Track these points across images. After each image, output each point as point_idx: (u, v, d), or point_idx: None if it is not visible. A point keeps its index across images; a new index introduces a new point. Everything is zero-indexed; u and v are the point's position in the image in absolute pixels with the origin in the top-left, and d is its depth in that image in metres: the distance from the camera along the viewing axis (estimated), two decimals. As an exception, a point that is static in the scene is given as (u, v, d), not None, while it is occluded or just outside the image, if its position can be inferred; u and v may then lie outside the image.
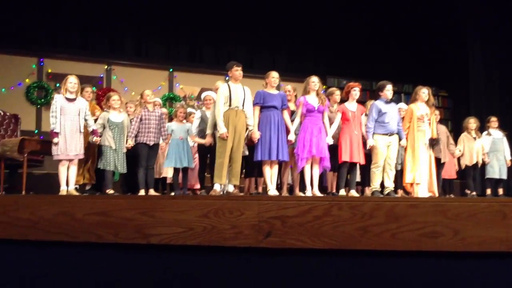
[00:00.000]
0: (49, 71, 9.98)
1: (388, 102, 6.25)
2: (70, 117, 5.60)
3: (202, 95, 7.03)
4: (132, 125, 6.18)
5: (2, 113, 7.16)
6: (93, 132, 5.87)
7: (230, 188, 5.74)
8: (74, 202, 3.12)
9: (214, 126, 5.82)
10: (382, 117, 6.11)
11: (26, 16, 9.86)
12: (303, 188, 6.12)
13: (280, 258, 2.71)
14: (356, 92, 6.36)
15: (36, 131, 9.66)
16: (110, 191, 6.01)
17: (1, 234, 3.09)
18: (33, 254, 3.08)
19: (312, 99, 6.01)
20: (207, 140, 6.05)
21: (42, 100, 9.83)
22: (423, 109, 6.38)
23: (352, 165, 6.28)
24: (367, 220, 2.60)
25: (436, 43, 12.23)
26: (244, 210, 2.74)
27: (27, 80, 9.82)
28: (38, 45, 9.95)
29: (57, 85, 9.68)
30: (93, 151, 6.28)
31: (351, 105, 6.35)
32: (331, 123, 6.24)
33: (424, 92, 6.39)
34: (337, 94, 6.71)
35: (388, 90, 6.25)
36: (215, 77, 10.03)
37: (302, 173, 6.01)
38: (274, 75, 5.95)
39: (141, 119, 6.14)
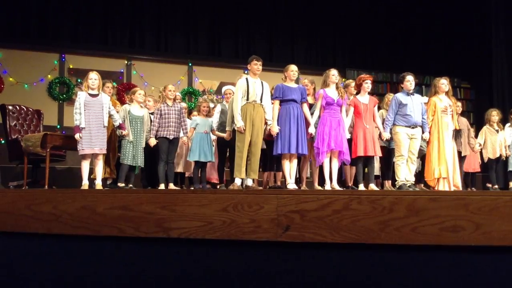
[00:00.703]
0: (71, 66, 10.10)
1: (409, 93, 6.14)
2: (94, 113, 5.70)
3: (223, 89, 7.06)
4: (153, 122, 6.23)
5: (25, 109, 7.27)
6: (120, 127, 5.98)
7: (249, 182, 5.76)
8: (95, 196, 3.16)
9: (233, 121, 5.83)
10: (403, 109, 6.01)
11: (48, 12, 9.99)
12: (322, 182, 6.10)
13: (299, 252, 2.71)
14: (368, 84, 6.28)
15: (59, 126, 9.81)
16: (121, 184, 6.09)
17: (25, 228, 3.15)
18: (56, 247, 3.13)
19: (332, 92, 5.97)
20: (227, 135, 6.12)
21: (64, 95, 9.96)
22: (445, 100, 6.28)
23: (369, 159, 6.22)
24: (387, 214, 2.58)
25: (458, 33, 12.03)
26: (263, 204, 2.74)
27: (49, 76, 9.96)
28: (60, 41, 10.07)
29: (79, 80, 9.81)
30: (113, 146, 6.35)
31: (363, 98, 6.27)
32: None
33: (443, 83, 6.28)
34: (352, 86, 6.64)
35: (408, 81, 6.12)
36: (234, 71, 10.05)
37: (321, 167, 5.99)
38: (293, 69, 5.91)
39: (161, 114, 6.18)
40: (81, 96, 5.73)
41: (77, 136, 5.63)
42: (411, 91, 6.15)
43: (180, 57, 11.03)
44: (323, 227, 2.63)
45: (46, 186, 5.93)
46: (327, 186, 5.85)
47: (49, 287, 3.10)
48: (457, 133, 6.73)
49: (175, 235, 2.85)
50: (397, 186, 6.03)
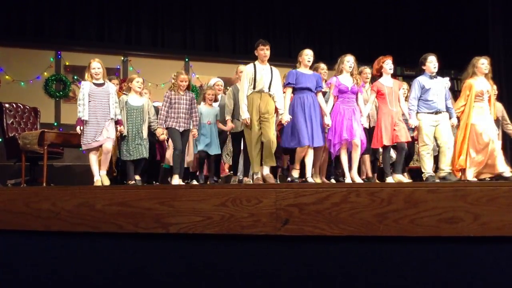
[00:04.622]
0: (67, 63, 10.04)
1: (432, 76, 5.54)
2: (100, 103, 5.27)
3: (211, 82, 6.67)
4: (160, 111, 5.71)
5: (21, 107, 7.24)
6: (118, 122, 5.46)
7: (265, 171, 5.23)
8: (94, 193, 3.16)
9: (236, 112, 5.44)
10: (426, 94, 5.46)
11: (43, 9, 9.94)
12: (328, 175, 5.74)
13: (298, 245, 2.72)
14: (389, 65, 5.64)
15: (56, 123, 9.76)
16: (131, 182, 5.70)
17: (24, 225, 3.15)
18: (55, 244, 3.13)
19: (346, 79, 5.45)
20: (228, 127, 5.70)
21: (61, 92, 9.91)
22: (482, 84, 5.62)
23: (401, 145, 5.52)
24: (386, 206, 2.58)
25: (456, 25, 12.01)
26: (261, 198, 2.74)
27: (45, 73, 9.90)
28: (56, 38, 10.01)
29: (75, 77, 9.79)
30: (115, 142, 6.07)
31: (387, 81, 5.62)
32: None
33: (483, 63, 5.64)
34: (365, 73, 6.08)
35: (431, 62, 5.53)
36: (231, 65, 9.98)
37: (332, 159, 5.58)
38: (307, 53, 5.37)
39: (170, 103, 5.64)
40: (85, 86, 5.26)
41: (78, 129, 5.25)
42: (434, 74, 5.54)
43: (176, 52, 10.96)
44: (322, 220, 2.64)
45: (44, 184, 5.90)
46: (348, 179, 5.35)
47: (48, 284, 3.10)
48: (496, 122, 5.92)
49: (174, 231, 2.85)
50: (424, 178, 5.40)
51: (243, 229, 2.73)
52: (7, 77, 9.52)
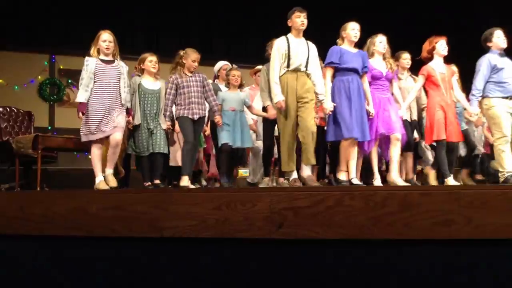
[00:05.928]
0: (61, 67, 10.03)
1: (502, 54, 4.56)
2: (108, 85, 4.26)
3: (219, 64, 5.95)
4: (165, 100, 4.76)
5: (15, 111, 7.21)
6: (127, 111, 4.47)
7: (306, 172, 4.38)
8: (88, 197, 3.15)
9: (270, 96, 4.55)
10: (499, 75, 4.45)
11: (37, 13, 9.92)
12: (367, 176, 4.74)
13: (292, 249, 2.72)
14: (442, 46, 4.73)
15: (50, 127, 9.74)
16: (147, 184, 4.82)
17: (18, 229, 3.13)
18: (49, 249, 3.12)
19: (378, 63, 4.62)
20: (270, 114, 4.65)
21: (55, 96, 9.90)
22: None
23: (452, 145, 4.68)
24: (380, 209, 2.59)
25: (450, 25, 12.05)
26: (256, 202, 2.74)
27: (39, 77, 9.88)
28: (50, 42, 10.00)
29: (69, 81, 9.78)
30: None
31: (438, 65, 4.72)
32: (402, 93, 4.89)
33: None
34: (404, 58, 5.19)
35: (499, 37, 4.54)
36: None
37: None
38: (353, 27, 4.49)
39: (176, 89, 4.73)
40: (90, 62, 4.28)
41: (81, 115, 4.21)
42: (502, 51, 4.56)
43: (171, 56, 10.96)
44: (316, 224, 2.64)
45: (38, 188, 5.88)
46: (377, 181, 4.53)
47: (42, 289, 3.09)
48: None
49: (169, 235, 2.85)
50: (501, 180, 4.35)
51: (238, 233, 2.73)
52: (1, 81, 9.50)
